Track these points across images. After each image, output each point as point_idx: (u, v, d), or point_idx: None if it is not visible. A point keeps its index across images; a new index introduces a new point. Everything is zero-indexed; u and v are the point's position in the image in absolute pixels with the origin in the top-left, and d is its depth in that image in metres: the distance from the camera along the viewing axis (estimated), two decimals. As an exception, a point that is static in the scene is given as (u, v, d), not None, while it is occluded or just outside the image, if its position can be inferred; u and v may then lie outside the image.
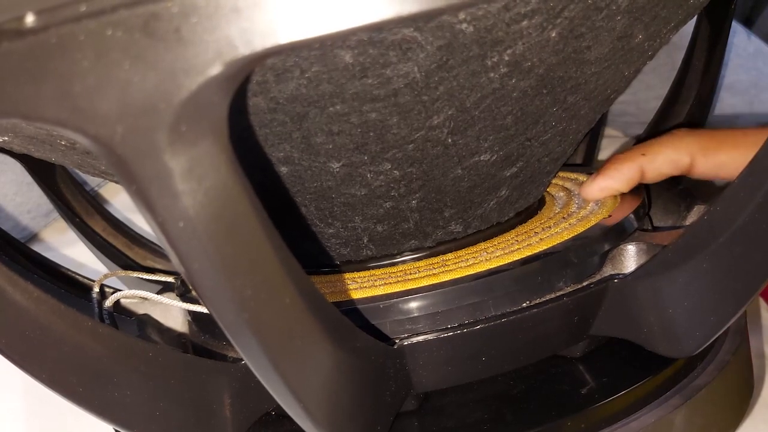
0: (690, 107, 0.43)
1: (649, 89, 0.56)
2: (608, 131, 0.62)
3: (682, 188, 0.38)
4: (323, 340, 0.21)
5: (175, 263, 0.17)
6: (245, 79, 0.20)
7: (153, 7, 0.14)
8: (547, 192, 0.38)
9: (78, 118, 0.15)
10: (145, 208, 0.16)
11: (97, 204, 0.48)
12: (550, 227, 0.32)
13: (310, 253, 0.32)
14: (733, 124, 0.55)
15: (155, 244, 0.48)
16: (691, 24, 0.44)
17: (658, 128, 0.44)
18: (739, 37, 0.56)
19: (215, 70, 0.14)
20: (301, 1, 0.14)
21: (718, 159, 0.34)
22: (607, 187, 0.34)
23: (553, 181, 0.40)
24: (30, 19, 0.14)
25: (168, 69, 0.14)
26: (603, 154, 0.58)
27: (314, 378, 0.21)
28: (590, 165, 0.49)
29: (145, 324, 0.34)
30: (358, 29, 0.14)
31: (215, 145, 0.15)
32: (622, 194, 0.35)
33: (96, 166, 0.28)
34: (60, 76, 0.14)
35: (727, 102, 0.55)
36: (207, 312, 0.30)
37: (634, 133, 0.61)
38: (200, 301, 0.30)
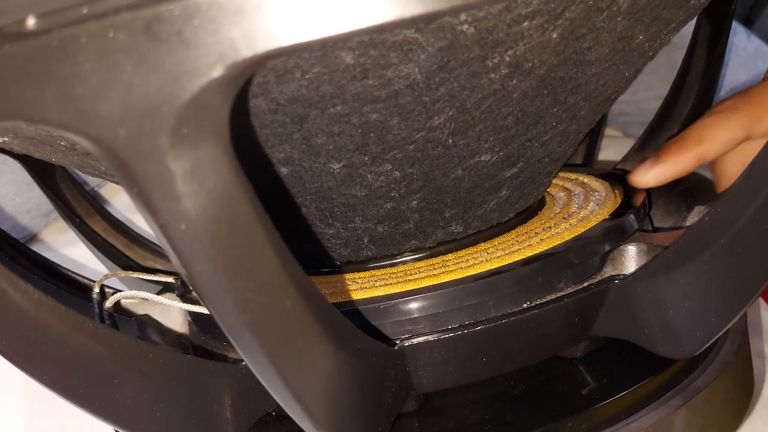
0: (690, 107, 0.43)
1: (648, 89, 0.56)
2: (608, 131, 0.62)
3: (683, 189, 0.38)
4: (324, 341, 0.21)
5: (177, 265, 0.17)
6: (247, 81, 0.20)
7: (155, 10, 0.14)
8: (548, 192, 0.38)
9: (80, 120, 0.15)
10: (146, 211, 0.16)
11: (97, 204, 0.48)
12: (550, 228, 0.32)
13: (310, 254, 0.32)
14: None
15: (155, 245, 0.48)
16: (692, 24, 0.44)
17: (658, 128, 0.44)
18: (739, 37, 0.56)
19: (217, 72, 0.14)
20: (303, 4, 0.14)
21: None
22: (665, 175, 0.34)
23: (554, 182, 0.40)
24: (31, 21, 0.14)
25: (170, 71, 0.14)
26: (603, 154, 0.58)
27: (315, 379, 0.21)
28: (590, 165, 0.49)
29: (145, 324, 0.34)
30: (360, 32, 0.14)
31: (217, 148, 0.15)
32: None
33: (96, 166, 0.28)
34: (62, 78, 0.14)
35: (727, 102, 0.55)
36: (207, 313, 0.30)
37: (634, 133, 0.61)
38: (200, 301, 0.30)
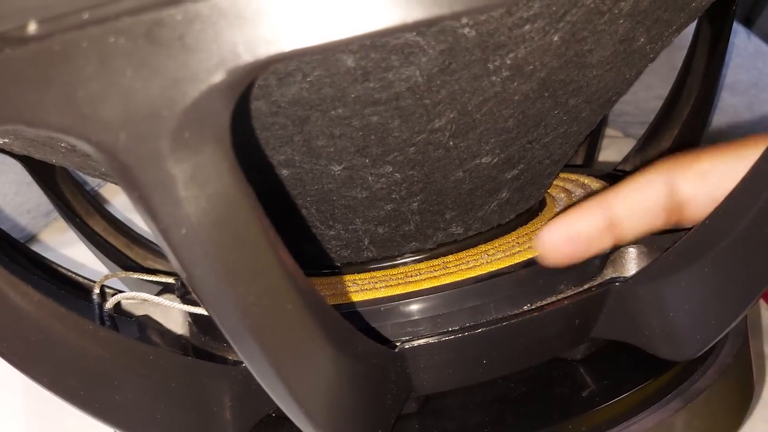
0: (691, 108, 0.43)
1: (648, 89, 0.56)
2: (608, 131, 0.62)
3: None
4: (325, 344, 0.21)
5: (177, 269, 0.17)
6: (248, 86, 0.20)
7: (157, 15, 0.14)
8: (548, 193, 0.38)
9: (81, 124, 0.15)
10: (147, 215, 0.16)
11: (97, 204, 0.48)
12: (551, 229, 0.32)
13: (311, 255, 0.32)
14: (733, 124, 0.55)
15: (155, 245, 0.48)
16: (692, 25, 0.44)
17: (658, 128, 0.44)
18: (739, 37, 0.56)
19: (218, 77, 0.14)
20: (305, 10, 0.14)
21: None
22: (567, 237, 0.27)
23: (554, 183, 0.40)
24: (33, 27, 0.14)
25: (171, 76, 0.14)
26: (603, 155, 0.58)
27: (315, 382, 0.21)
28: (591, 166, 0.49)
29: (145, 325, 0.34)
30: (362, 37, 0.14)
31: (218, 152, 0.15)
32: None
33: (96, 167, 0.28)
34: (63, 82, 0.14)
35: (727, 102, 0.55)
36: (206, 314, 0.30)
37: (634, 133, 0.61)
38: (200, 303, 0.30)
